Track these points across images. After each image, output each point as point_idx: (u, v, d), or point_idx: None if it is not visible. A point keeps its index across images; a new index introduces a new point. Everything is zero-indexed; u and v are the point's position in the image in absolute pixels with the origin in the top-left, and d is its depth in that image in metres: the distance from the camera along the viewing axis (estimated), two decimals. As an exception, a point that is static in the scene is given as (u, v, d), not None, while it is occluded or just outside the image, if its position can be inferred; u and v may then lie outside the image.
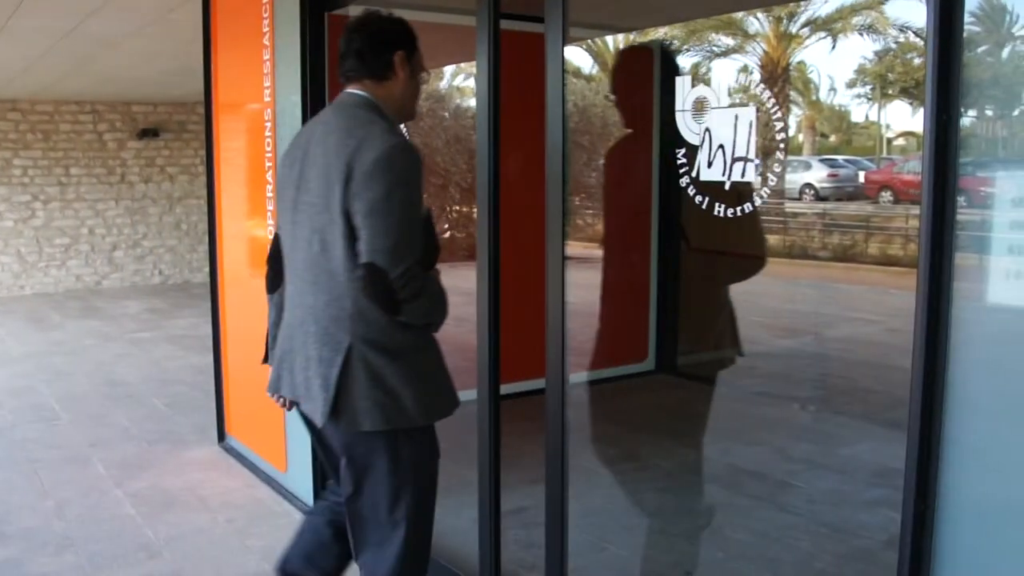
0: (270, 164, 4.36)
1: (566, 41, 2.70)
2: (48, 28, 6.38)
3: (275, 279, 2.64)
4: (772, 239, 18.57)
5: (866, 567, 3.66)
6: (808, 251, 17.65)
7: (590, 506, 4.33)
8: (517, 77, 5.60)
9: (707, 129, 2.58)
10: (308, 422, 2.56)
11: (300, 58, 4.02)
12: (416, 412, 2.42)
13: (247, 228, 4.85)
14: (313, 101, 4.02)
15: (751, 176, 2.54)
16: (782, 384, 6.27)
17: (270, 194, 4.38)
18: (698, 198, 2.61)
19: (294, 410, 2.64)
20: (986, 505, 2.19)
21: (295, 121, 4.08)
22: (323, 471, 2.93)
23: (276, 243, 2.64)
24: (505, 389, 6.27)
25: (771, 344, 8.32)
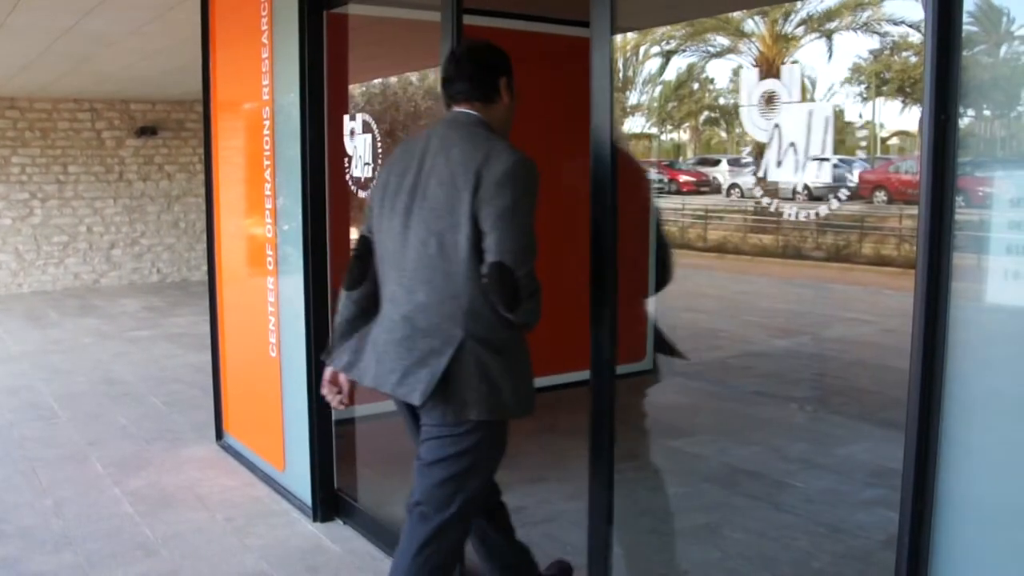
0: (268, 163, 4.36)
1: (614, 31, 2.62)
2: (46, 26, 6.38)
3: (359, 278, 2.85)
4: (766, 239, 18.64)
5: (864, 567, 3.66)
6: (802, 252, 17.71)
7: (588, 505, 4.34)
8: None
9: (776, 126, 2.47)
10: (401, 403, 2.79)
11: (299, 56, 4.02)
12: (511, 405, 2.65)
13: (245, 226, 4.85)
14: (312, 99, 4.02)
15: (827, 178, 2.45)
16: (778, 384, 6.29)
17: (268, 192, 4.38)
18: (765, 200, 2.56)
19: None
20: (984, 505, 2.19)
21: (294, 119, 4.08)
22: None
23: (364, 244, 2.85)
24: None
25: (767, 344, 8.34)
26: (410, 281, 2.65)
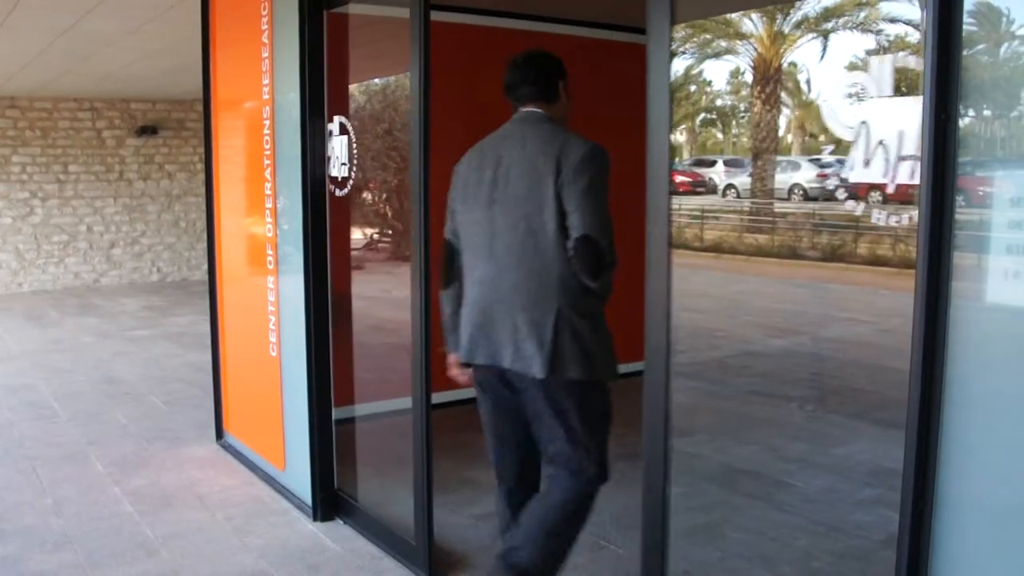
0: (268, 162, 4.36)
1: (675, 20, 2.56)
2: (46, 25, 6.38)
3: (453, 276, 3.13)
4: (761, 239, 18.64)
5: (864, 566, 3.66)
6: (797, 251, 17.73)
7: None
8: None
9: (864, 122, 2.37)
10: (504, 392, 3.01)
11: (299, 55, 4.02)
12: (602, 368, 2.92)
13: (246, 226, 4.86)
14: (312, 98, 4.02)
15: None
16: (776, 383, 6.29)
17: (268, 192, 4.38)
18: (849, 204, 2.49)
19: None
20: (985, 504, 2.19)
21: (294, 118, 4.08)
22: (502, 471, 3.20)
23: (451, 247, 3.14)
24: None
25: (764, 343, 8.35)
26: (503, 263, 2.92)
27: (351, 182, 4.03)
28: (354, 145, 3.98)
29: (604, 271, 2.86)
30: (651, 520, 2.82)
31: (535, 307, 2.86)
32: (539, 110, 3.03)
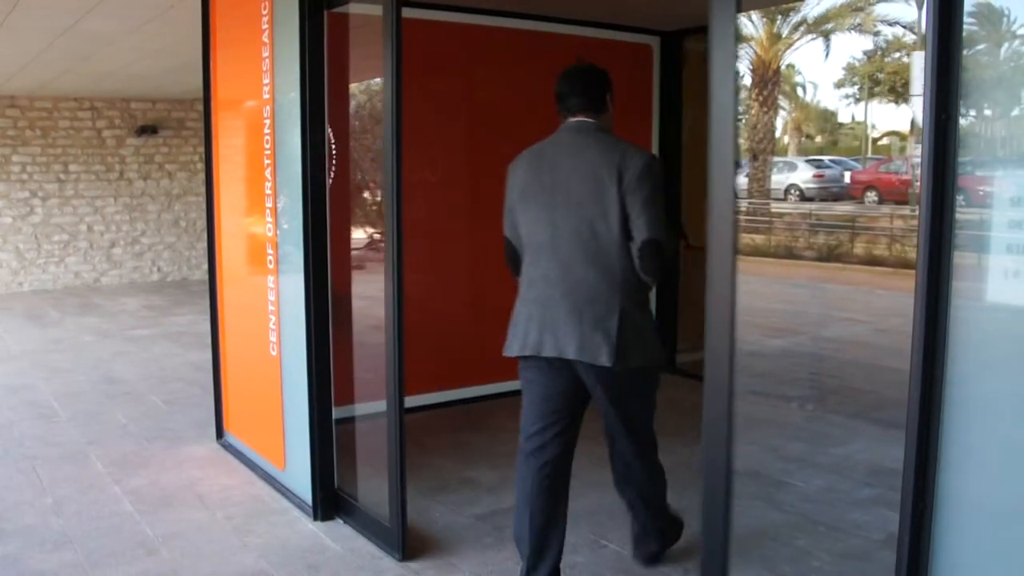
0: (269, 161, 4.36)
1: (740, 8, 2.51)
2: (46, 25, 6.38)
3: (517, 268, 3.42)
4: (758, 239, 18.61)
5: (864, 565, 3.66)
6: (793, 251, 17.74)
7: (588, 503, 4.34)
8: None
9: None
10: (564, 377, 3.26)
11: (299, 55, 4.02)
12: (655, 355, 3.27)
13: (246, 225, 4.86)
14: (312, 98, 4.02)
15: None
16: (775, 383, 6.28)
17: (269, 191, 4.38)
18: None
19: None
20: (984, 504, 2.19)
21: (294, 118, 4.08)
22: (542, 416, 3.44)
23: (511, 245, 3.41)
24: (505, 387, 6.29)
25: (762, 343, 8.34)
26: (566, 262, 3.17)
27: (329, 182, 4.09)
28: (333, 146, 4.07)
29: (664, 268, 3.15)
30: (712, 543, 2.77)
31: (600, 303, 3.12)
32: (590, 120, 3.29)
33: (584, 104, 3.29)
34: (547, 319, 3.20)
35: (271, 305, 4.48)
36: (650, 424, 3.47)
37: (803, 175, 29.35)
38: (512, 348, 3.34)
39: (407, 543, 3.78)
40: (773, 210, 22.98)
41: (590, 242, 3.14)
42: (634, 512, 3.64)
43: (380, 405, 5.61)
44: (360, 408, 5.34)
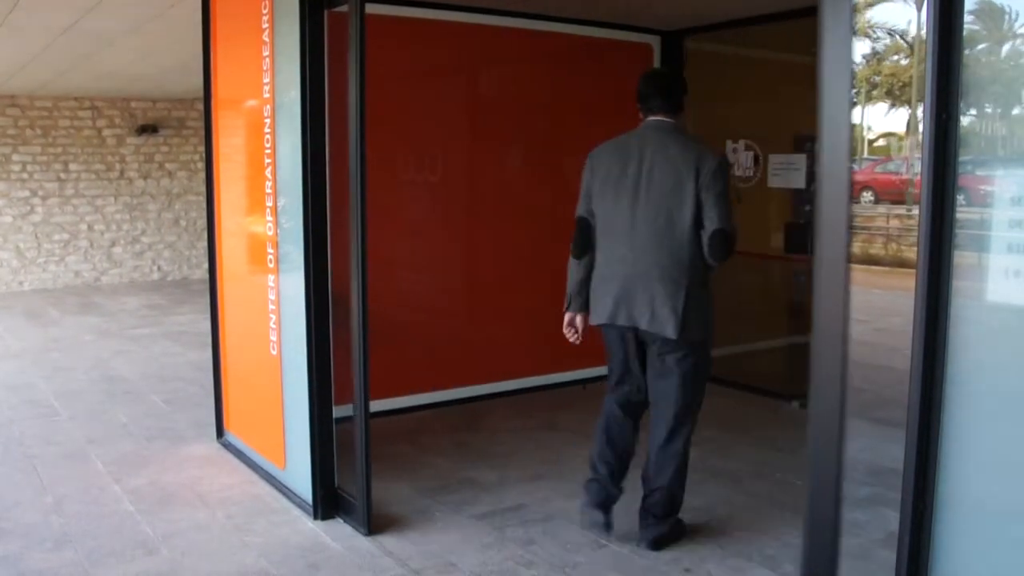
0: (269, 160, 4.36)
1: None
2: (47, 24, 6.38)
3: (585, 248, 3.87)
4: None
5: (864, 564, 3.66)
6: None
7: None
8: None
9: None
10: (634, 344, 3.78)
11: (299, 54, 4.01)
12: (710, 330, 3.74)
13: (246, 224, 4.85)
14: (313, 97, 4.02)
15: None
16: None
17: (269, 190, 4.38)
18: None
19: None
20: (984, 503, 2.19)
21: (294, 117, 4.08)
22: (621, 373, 3.95)
23: (585, 223, 3.87)
24: (502, 387, 6.30)
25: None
26: (642, 245, 3.65)
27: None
28: None
29: (730, 254, 3.60)
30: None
31: (670, 282, 3.59)
32: (669, 120, 3.74)
33: (664, 105, 3.73)
34: (623, 294, 3.69)
35: (271, 304, 4.48)
36: (696, 401, 3.84)
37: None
38: (595, 317, 3.86)
39: (372, 518, 4.01)
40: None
41: (665, 229, 3.60)
42: (647, 492, 3.87)
43: (380, 405, 5.63)
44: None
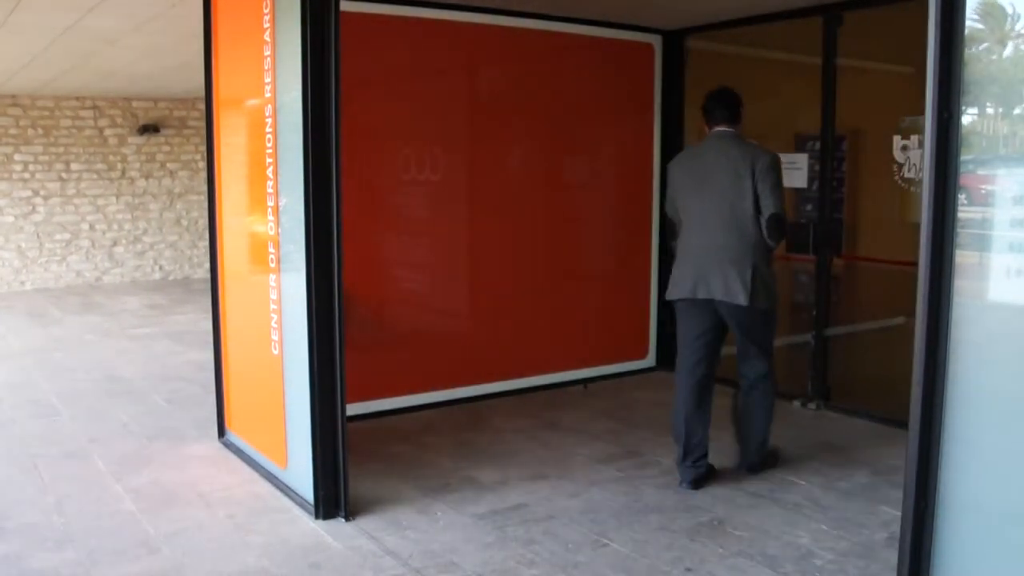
0: (271, 160, 4.35)
1: None
2: (48, 24, 6.38)
3: (675, 233, 4.72)
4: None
5: (866, 563, 3.66)
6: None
7: (590, 502, 4.34)
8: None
9: None
10: (709, 316, 4.45)
11: (301, 54, 4.01)
12: (774, 299, 4.43)
13: (248, 224, 4.85)
14: (315, 96, 4.01)
15: None
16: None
17: (271, 189, 4.38)
18: None
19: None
20: (986, 502, 2.19)
21: (296, 116, 4.07)
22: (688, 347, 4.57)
23: (670, 221, 4.92)
24: (504, 386, 6.30)
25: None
26: (715, 231, 4.38)
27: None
28: None
29: (781, 237, 4.39)
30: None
31: (739, 261, 4.30)
32: (730, 129, 4.49)
33: (726, 117, 4.49)
34: (701, 272, 4.38)
35: (273, 304, 4.47)
36: (771, 349, 4.59)
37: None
38: (673, 293, 4.53)
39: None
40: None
41: (731, 218, 4.33)
42: (742, 429, 4.70)
43: (382, 404, 5.64)
44: (361, 408, 5.34)
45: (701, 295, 4.39)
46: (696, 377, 4.50)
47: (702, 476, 4.51)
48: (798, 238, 5.88)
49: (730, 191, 4.34)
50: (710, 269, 4.36)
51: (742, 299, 4.28)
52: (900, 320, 5.54)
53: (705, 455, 4.52)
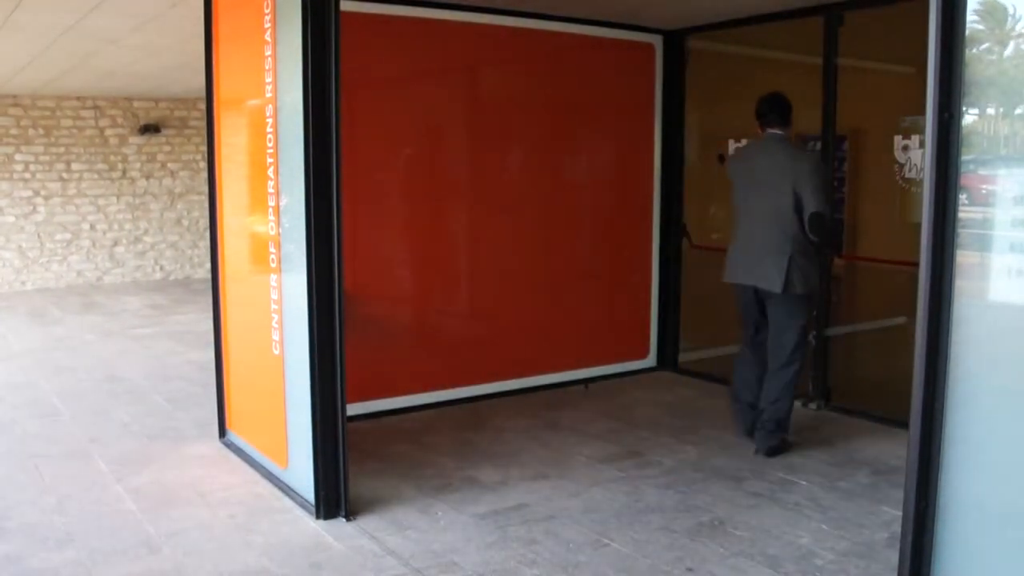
0: (272, 160, 4.35)
1: None
2: (49, 24, 6.38)
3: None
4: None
5: (867, 563, 3.66)
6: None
7: (591, 502, 4.34)
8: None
9: None
10: (753, 297, 5.02)
11: (302, 54, 4.01)
12: (810, 285, 4.91)
13: (249, 224, 4.85)
14: (315, 96, 4.01)
15: None
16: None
17: (272, 189, 4.38)
18: None
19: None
20: (987, 502, 2.19)
21: (297, 116, 4.07)
22: (751, 328, 5.18)
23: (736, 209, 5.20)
24: (505, 386, 6.31)
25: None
26: (761, 225, 4.89)
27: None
28: None
29: (824, 232, 4.78)
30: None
31: (778, 252, 4.79)
32: (779, 132, 4.93)
33: (778, 120, 4.93)
34: (748, 260, 4.95)
35: (274, 304, 4.47)
36: (801, 340, 4.95)
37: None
38: (727, 277, 5.09)
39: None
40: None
41: (774, 213, 4.81)
42: (762, 410, 5.00)
43: (383, 404, 5.64)
44: (362, 408, 5.35)
45: (746, 281, 4.98)
46: (752, 344, 5.14)
47: (777, 445, 4.95)
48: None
49: (773, 190, 4.81)
50: (754, 258, 4.91)
51: (777, 287, 4.79)
52: (901, 320, 5.56)
53: (756, 405, 5.07)
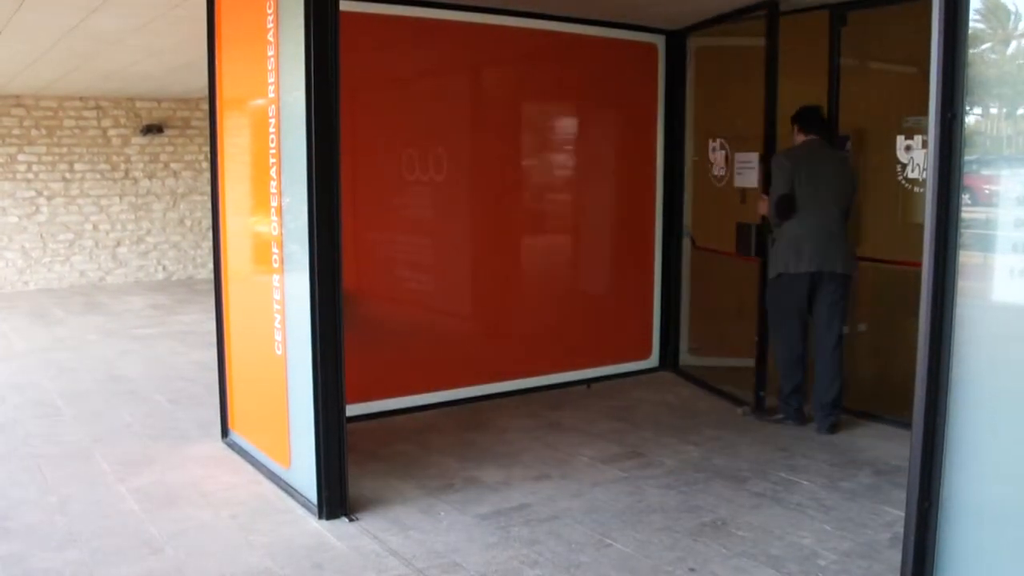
0: (274, 160, 4.36)
1: None
2: (51, 24, 6.39)
3: (790, 215, 5.41)
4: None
5: (870, 564, 3.66)
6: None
7: (594, 502, 4.34)
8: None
9: None
10: (806, 288, 5.42)
11: (304, 54, 4.01)
12: (854, 267, 5.47)
13: (251, 224, 4.86)
14: (318, 96, 4.01)
15: None
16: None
17: (274, 190, 4.38)
18: None
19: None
20: (990, 503, 2.19)
21: (299, 117, 4.07)
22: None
23: (790, 198, 5.39)
24: (508, 386, 6.30)
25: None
26: (824, 216, 5.35)
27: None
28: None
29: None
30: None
31: (837, 239, 5.35)
32: (818, 137, 5.48)
33: (819, 128, 5.52)
34: (815, 248, 5.32)
35: (276, 304, 4.48)
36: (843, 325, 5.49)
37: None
38: (791, 268, 5.38)
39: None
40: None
41: (833, 207, 5.37)
42: (822, 390, 5.42)
43: (386, 404, 5.64)
44: (363, 408, 5.35)
45: (814, 268, 5.34)
46: (798, 324, 5.48)
47: (837, 422, 5.39)
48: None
49: (832, 187, 5.39)
50: (821, 245, 5.33)
51: (840, 267, 5.33)
52: (901, 321, 5.57)
53: (805, 385, 5.54)
